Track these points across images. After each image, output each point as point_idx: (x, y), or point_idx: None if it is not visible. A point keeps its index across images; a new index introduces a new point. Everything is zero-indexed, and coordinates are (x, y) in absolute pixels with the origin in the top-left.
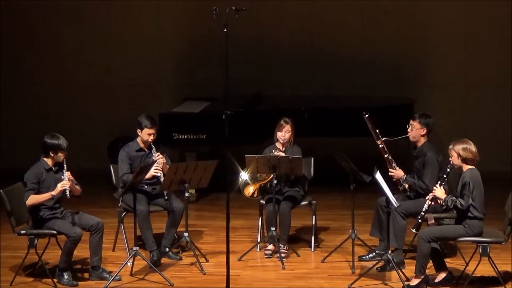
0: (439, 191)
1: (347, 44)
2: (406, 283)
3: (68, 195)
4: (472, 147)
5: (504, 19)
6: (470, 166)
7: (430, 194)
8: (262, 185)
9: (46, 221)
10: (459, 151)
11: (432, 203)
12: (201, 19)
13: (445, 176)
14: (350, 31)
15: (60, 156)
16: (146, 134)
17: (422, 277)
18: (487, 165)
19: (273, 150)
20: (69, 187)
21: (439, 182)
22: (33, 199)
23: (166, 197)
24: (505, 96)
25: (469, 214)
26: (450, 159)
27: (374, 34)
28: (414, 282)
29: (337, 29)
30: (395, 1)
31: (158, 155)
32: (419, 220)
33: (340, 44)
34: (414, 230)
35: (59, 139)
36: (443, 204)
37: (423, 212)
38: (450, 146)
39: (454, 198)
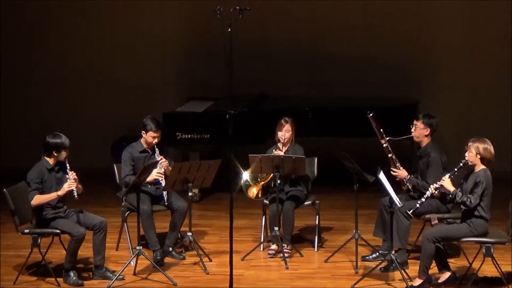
0: (448, 182)
1: (351, 44)
2: (410, 283)
3: (76, 196)
4: (491, 148)
5: (509, 19)
6: (483, 167)
7: (438, 183)
8: (265, 185)
9: (49, 220)
10: (480, 150)
11: (436, 192)
12: (205, 18)
13: (456, 169)
14: (354, 31)
15: (63, 154)
16: (150, 137)
17: (425, 277)
18: (492, 166)
19: (274, 150)
20: (75, 187)
21: (449, 174)
22: (38, 199)
23: (166, 202)
24: (510, 97)
25: (476, 213)
26: (466, 154)
27: (378, 34)
28: (417, 282)
29: (341, 29)
30: (399, 1)
31: (161, 159)
32: (417, 205)
33: (344, 44)
34: (410, 212)
35: (61, 138)
36: (449, 197)
37: (424, 198)
38: (470, 143)
39: (461, 193)
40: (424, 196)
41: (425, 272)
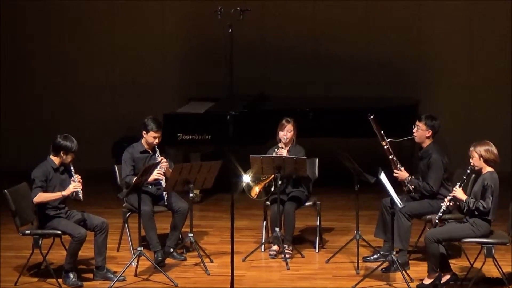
0: (460, 192)
1: (351, 44)
2: (417, 283)
3: (81, 197)
4: (493, 148)
5: (509, 19)
6: (490, 169)
7: (450, 194)
8: (266, 184)
9: (50, 219)
10: (481, 152)
11: (451, 203)
12: (205, 19)
13: (465, 177)
14: (354, 31)
15: (69, 158)
16: (151, 137)
17: (436, 275)
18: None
19: (276, 150)
20: (81, 189)
21: (459, 183)
22: (41, 196)
23: (166, 202)
24: (510, 97)
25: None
26: (470, 160)
27: (378, 34)
28: (427, 281)
29: (341, 29)
30: (399, 1)
31: (161, 159)
32: (437, 220)
33: (344, 45)
34: (430, 230)
35: (72, 142)
36: (463, 205)
37: (441, 212)
38: (471, 148)
39: (473, 199)
40: (441, 210)
41: (434, 270)
